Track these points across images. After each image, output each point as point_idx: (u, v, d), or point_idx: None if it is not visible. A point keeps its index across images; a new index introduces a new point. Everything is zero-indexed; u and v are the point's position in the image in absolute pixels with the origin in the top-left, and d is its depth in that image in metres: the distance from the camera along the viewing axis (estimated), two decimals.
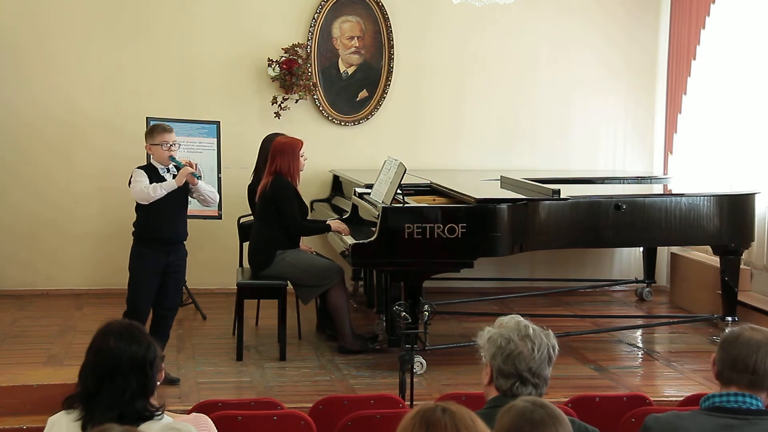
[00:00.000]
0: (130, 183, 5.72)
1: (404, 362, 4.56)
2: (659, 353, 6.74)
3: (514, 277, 8.50)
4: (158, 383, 2.83)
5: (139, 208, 5.73)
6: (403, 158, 6.17)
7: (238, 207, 7.38)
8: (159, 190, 5.60)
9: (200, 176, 5.84)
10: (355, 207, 6.82)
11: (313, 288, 6.42)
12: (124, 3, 8.16)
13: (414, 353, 4.83)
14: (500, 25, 8.59)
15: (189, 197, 5.86)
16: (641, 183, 8.13)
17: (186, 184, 5.71)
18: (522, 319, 2.93)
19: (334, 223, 6.50)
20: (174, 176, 5.70)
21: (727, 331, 3.00)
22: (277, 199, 6.30)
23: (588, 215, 6.32)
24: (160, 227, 5.70)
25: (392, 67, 8.52)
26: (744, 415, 2.77)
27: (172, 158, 5.71)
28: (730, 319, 6.74)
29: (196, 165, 5.82)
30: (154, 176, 5.69)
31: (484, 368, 2.92)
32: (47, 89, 8.11)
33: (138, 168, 5.74)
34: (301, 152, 6.43)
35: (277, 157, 6.36)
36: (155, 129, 5.76)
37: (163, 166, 5.73)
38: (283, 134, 6.79)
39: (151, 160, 5.76)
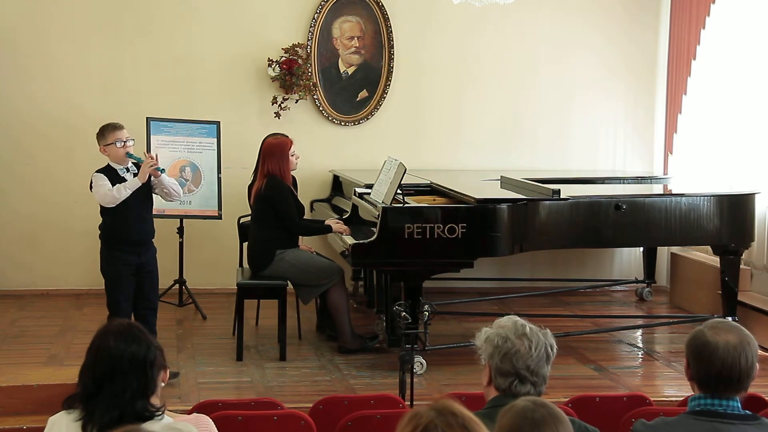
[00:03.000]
0: (91, 188, 5.60)
1: (404, 362, 4.56)
2: (659, 353, 6.74)
3: (514, 277, 8.50)
4: (162, 384, 2.82)
5: (105, 211, 5.63)
6: (403, 158, 6.17)
7: (238, 207, 7.38)
8: (124, 191, 5.50)
9: (163, 169, 5.69)
10: (355, 207, 6.82)
11: (313, 288, 6.42)
12: (125, 3, 8.16)
13: (414, 353, 4.83)
14: (500, 25, 8.59)
15: (152, 194, 5.76)
16: (641, 183, 8.13)
17: (149, 180, 5.61)
18: (519, 318, 2.94)
19: (335, 224, 6.50)
20: (135, 174, 5.59)
21: (694, 336, 2.85)
22: (273, 200, 6.30)
23: (588, 215, 6.32)
24: (129, 228, 5.60)
25: (392, 67, 8.52)
26: (730, 420, 2.77)
27: (129, 155, 5.59)
28: (730, 319, 6.74)
29: (156, 156, 5.64)
30: (115, 178, 5.57)
31: (483, 369, 2.92)
32: (47, 89, 8.11)
33: (97, 172, 5.59)
34: (291, 151, 6.44)
35: (267, 159, 6.39)
36: (106, 129, 5.59)
37: (121, 167, 5.60)
38: (281, 134, 6.79)
39: (109, 162, 5.62)
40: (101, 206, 5.63)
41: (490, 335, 2.90)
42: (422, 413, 2.14)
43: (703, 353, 2.80)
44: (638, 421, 2.90)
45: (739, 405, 2.81)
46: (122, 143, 5.56)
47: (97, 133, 5.65)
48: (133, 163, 5.63)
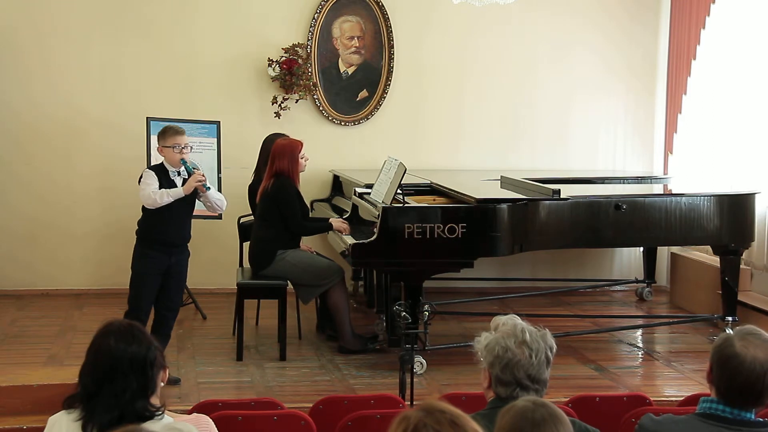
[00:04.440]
0: (140, 181, 5.71)
1: (404, 362, 4.56)
2: (659, 353, 6.74)
3: (514, 277, 8.49)
4: (162, 384, 2.82)
5: (146, 208, 5.70)
6: (403, 158, 6.17)
7: (238, 207, 7.37)
8: (166, 197, 5.59)
9: (209, 187, 5.80)
10: (355, 207, 6.82)
11: (313, 288, 6.43)
12: (125, 3, 8.16)
13: (414, 353, 4.83)
14: (500, 25, 8.59)
15: (196, 200, 5.85)
16: (641, 183, 8.13)
17: (195, 189, 5.70)
18: (519, 321, 2.91)
19: (336, 222, 6.51)
20: (184, 180, 5.69)
21: (723, 343, 2.79)
22: (279, 199, 6.30)
23: (588, 215, 6.32)
24: (167, 230, 5.68)
25: (392, 67, 8.52)
26: (737, 426, 2.75)
27: (183, 161, 5.69)
28: (730, 319, 6.73)
29: (204, 176, 5.76)
30: (164, 178, 5.67)
31: (482, 372, 2.91)
32: (47, 89, 8.11)
33: (149, 169, 5.73)
34: (300, 154, 6.45)
35: (277, 159, 6.38)
36: (167, 131, 5.71)
37: (174, 169, 5.71)
38: (284, 135, 6.80)
39: (163, 161, 5.74)
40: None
41: (491, 343, 2.87)
42: (410, 415, 2.14)
43: (729, 364, 2.74)
44: (645, 415, 2.88)
45: (752, 416, 2.77)
46: (179, 149, 5.66)
47: (159, 132, 5.78)
48: (184, 169, 5.70)
